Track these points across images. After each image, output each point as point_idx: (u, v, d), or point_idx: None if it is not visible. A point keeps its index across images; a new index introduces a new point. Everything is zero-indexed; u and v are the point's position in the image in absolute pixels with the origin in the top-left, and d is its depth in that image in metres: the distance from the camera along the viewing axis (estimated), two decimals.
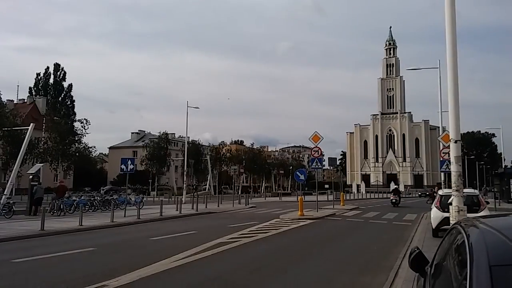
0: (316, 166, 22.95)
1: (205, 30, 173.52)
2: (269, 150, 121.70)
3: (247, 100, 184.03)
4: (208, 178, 59.82)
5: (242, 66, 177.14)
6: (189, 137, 46.94)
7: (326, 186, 51.14)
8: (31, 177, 21.43)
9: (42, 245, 11.11)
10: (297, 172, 23.13)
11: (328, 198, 36.09)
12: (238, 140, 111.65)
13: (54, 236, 13.08)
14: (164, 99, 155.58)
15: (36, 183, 20.92)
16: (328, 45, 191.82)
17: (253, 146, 75.32)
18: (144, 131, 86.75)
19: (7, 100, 39.33)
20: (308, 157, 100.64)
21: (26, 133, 30.19)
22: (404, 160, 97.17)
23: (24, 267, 8.31)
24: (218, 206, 27.61)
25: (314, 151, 22.42)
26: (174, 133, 75.27)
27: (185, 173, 42.23)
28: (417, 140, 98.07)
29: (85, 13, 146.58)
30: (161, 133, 53.12)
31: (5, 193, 24.46)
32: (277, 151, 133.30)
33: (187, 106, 36.87)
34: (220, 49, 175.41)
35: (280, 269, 8.03)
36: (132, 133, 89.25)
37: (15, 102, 60.95)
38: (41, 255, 9.31)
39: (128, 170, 21.07)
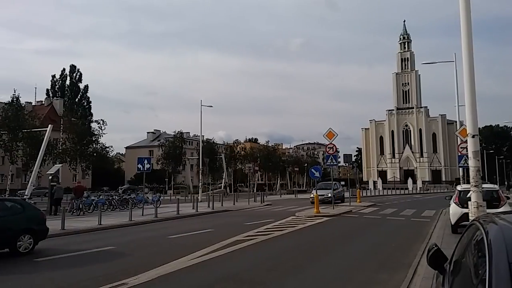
0: (331, 163, 22.81)
1: (218, 29, 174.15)
2: (284, 147, 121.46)
3: (260, 98, 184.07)
4: (223, 176, 60.13)
5: (254, 63, 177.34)
6: (203, 135, 47.21)
7: (342, 183, 50.80)
8: (50, 177, 21.92)
9: (63, 244, 11.37)
10: (312, 169, 23.03)
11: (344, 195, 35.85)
12: (252, 138, 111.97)
13: (74, 235, 13.38)
14: (178, 99, 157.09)
15: (56, 183, 21.40)
16: (341, 40, 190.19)
17: (267, 143, 75.05)
18: (160, 131, 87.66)
19: (25, 102, 40.14)
20: (323, 154, 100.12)
21: (45, 134, 30.91)
22: (421, 155, 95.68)
23: (46, 266, 8.55)
24: (234, 204, 27.73)
25: (328, 148, 22.30)
26: (188, 132, 75.89)
27: (200, 171, 42.56)
28: (434, 135, 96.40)
29: (99, 15, 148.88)
30: (176, 132, 53.64)
31: (26, 193, 25.15)
32: (292, 148, 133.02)
33: (201, 105, 37.13)
34: (232, 48, 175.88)
35: (297, 267, 8.04)
36: (147, 132, 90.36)
37: (33, 104, 62.30)
38: (62, 254, 9.54)
39: (145, 169, 21.36)
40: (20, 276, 7.67)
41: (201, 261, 8.43)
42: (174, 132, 54.23)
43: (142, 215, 19.01)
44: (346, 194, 28.51)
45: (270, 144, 74.75)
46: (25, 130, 30.86)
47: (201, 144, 43.46)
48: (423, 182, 75.69)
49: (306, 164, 76.61)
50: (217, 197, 29.66)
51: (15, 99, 32.08)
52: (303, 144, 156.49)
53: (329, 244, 11.28)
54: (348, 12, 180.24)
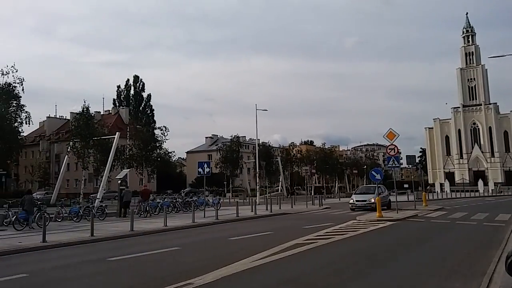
0: (393, 165, 21.90)
1: (270, 33, 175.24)
2: (341, 149, 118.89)
3: (315, 99, 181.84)
4: (280, 179, 60.14)
5: (308, 65, 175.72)
6: (259, 139, 47.65)
7: (406, 185, 48.54)
8: (119, 181, 23.38)
9: (133, 245, 12.09)
10: (373, 172, 22.29)
11: (408, 199, 34.25)
12: (308, 141, 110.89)
13: (143, 236, 14.13)
14: (234, 104, 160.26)
15: (124, 187, 22.76)
16: (398, 36, 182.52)
17: (324, 146, 73.78)
18: (217, 135, 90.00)
19: (95, 112, 43.25)
20: (383, 156, 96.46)
21: (113, 141, 33.11)
22: (492, 155, 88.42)
23: (118, 265, 9.10)
24: (292, 207, 27.64)
25: (389, 149, 21.45)
26: (245, 136, 76.91)
27: (257, 174, 42.97)
28: (506, 133, 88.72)
29: (159, 27, 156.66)
30: (233, 136, 54.65)
31: (97, 197, 27.07)
32: (349, 150, 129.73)
33: (256, 109, 37.59)
34: (285, 50, 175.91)
35: (361, 272, 7.82)
36: (206, 137, 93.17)
37: (102, 113, 66.97)
38: (132, 254, 10.12)
39: (205, 173, 22.07)
40: (95, 274, 8.25)
41: (262, 263, 8.50)
42: (231, 136, 55.33)
43: (204, 217, 19.62)
44: (411, 197, 27.20)
45: (326, 146, 73.45)
46: (95, 138, 33.12)
47: (257, 147, 43.90)
48: (496, 184, 69.88)
49: (365, 166, 74.30)
50: (275, 200, 29.75)
51: (85, 109, 34.59)
52: (361, 145, 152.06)
53: (394, 250, 10.83)
54: (405, 7, 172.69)
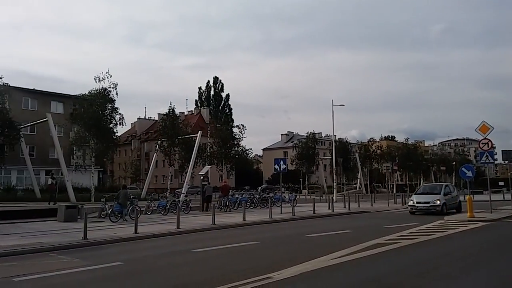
0: (486, 161, 19.92)
1: (347, 26, 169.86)
2: (426, 144, 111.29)
3: (396, 93, 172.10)
4: (359, 176, 58.23)
5: (388, 57, 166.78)
6: (335, 135, 46.62)
7: (501, 183, 43.83)
8: (201, 177, 24.61)
9: (214, 238, 12.69)
10: (463, 168, 20.52)
11: (504, 197, 30.92)
12: (388, 136, 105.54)
13: (223, 230, 14.75)
14: (310, 100, 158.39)
15: (206, 183, 23.91)
16: (491, 20, 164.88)
17: (407, 141, 69.58)
18: (293, 132, 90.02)
19: (179, 112, 45.89)
20: (475, 151, 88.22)
21: (196, 140, 34.96)
22: None
23: (202, 256, 9.63)
24: (372, 205, 26.64)
25: (482, 143, 19.55)
26: (320, 132, 75.94)
27: (334, 171, 42.12)
28: None
29: (237, 29, 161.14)
30: (309, 133, 54.19)
31: (182, 191, 28.83)
32: (436, 145, 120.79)
33: (332, 105, 36.82)
34: (363, 43, 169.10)
35: (450, 275, 7.29)
36: (281, 134, 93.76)
37: (185, 113, 71.02)
38: (214, 246, 10.63)
39: (281, 169, 22.29)
40: (182, 264, 8.82)
41: (341, 261, 8.36)
42: (307, 133, 54.93)
43: (281, 213, 19.84)
44: (507, 196, 24.47)
45: (409, 142, 69.24)
46: (180, 137, 35.26)
47: (333, 143, 43.00)
48: None
49: (454, 163, 68.61)
50: (353, 197, 28.94)
51: (171, 110, 36.95)
52: (449, 140, 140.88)
53: (487, 253, 9.90)
54: None
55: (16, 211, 19.39)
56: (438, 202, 19.15)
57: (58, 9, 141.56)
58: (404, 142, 68.58)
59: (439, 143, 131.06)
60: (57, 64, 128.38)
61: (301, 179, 55.76)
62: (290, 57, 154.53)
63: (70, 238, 12.13)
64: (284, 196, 28.46)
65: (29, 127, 35.25)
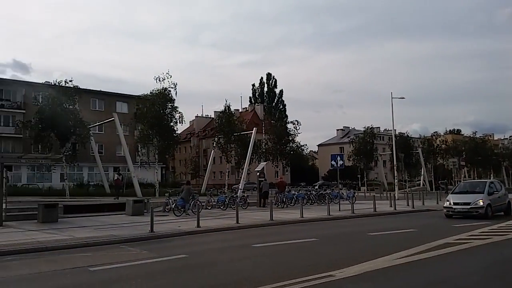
0: None
1: (403, 15, 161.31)
2: (496, 138, 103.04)
3: (461, 83, 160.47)
4: (422, 173, 55.42)
5: (451, 45, 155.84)
6: (395, 129, 44.62)
7: None
8: (258, 174, 24.87)
9: (273, 233, 12.79)
10: None
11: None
12: (453, 130, 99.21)
13: (281, 226, 14.80)
14: (366, 93, 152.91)
15: (263, 179, 24.12)
16: None
17: (475, 134, 64.83)
18: (349, 127, 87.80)
19: (234, 109, 46.77)
20: None
21: (251, 136, 35.41)
22: None
23: (261, 251, 9.73)
24: (437, 203, 25.20)
25: None
26: (379, 127, 73.31)
27: (394, 167, 40.45)
28: None
29: (288, 24, 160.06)
30: (366, 127, 52.49)
31: (239, 187, 29.39)
32: (506, 138, 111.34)
33: (391, 98, 35.31)
34: (423, 32, 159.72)
35: None
36: (337, 130, 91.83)
37: (240, 110, 72.12)
38: (273, 242, 10.70)
39: (338, 165, 21.90)
40: (243, 258, 8.99)
41: (407, 261, 8.02)
42: (364, 127, 53.25)
43: (339, 210, 19.45)
44: None
45: (477, 135, 64.50)
46: (236, 134, 35.95)
47: (393, 138, 41.32)
48: None
49: None
50: (417, 194, 27.59)
51: (226, 108, 37.75)
52: None
53: None
54: None
55: (89, 205, 20.96)
56: (481, 203, 16.09)
57: (121, 14, 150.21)
58: (472, 135, 64.09)
59: (510, 136, 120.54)
60: (120, 65, 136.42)
61: (359, 176, 54.27)
62: (343, 50, 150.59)
63: (138, 231, 12.86)
64: (342, 193, 27.87)
65: (97, 126, 37.79)
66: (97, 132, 40.58)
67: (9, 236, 11.74)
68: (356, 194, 32.20)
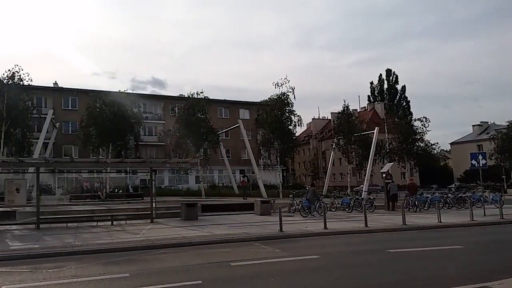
0: None
1: None
2: None
3: None
4: None
5: None
6: None
7: None
8: (383, 175, 23.57)
9: (408, 239, 11.93)
10: None
11: None
12: None
13: (416, 231, 13.69)
14: (506, 84, 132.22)
15: (390, 180, 22.78)
16: None
17: None
18: (487, 122, 77.28)
19: (352, 109, 45.35)
20: None
21: (373, 136, 33.86)
22: None
23: (398, 257, 9.13)
24: None
25: None
26: None
27: None
28: None
29: (406, 15, 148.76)
30: (510, 122, 45.42)
31: (364, 189, 28.33)
32: None
33: None
34: None
35: None
36: (473, 126, 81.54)
37: (358, 110, 69.63)
38: (409, 248, 9.99)
39: (480, 165, 19.26)
40: (378, 263, 8.57)
41: None
42: (507, 122, 46.15)
43: (484, 215, 17.20)
44: None
45: None
46: (356, 134, 34.85)
47: None
48: None
49: None
50: None
51: (345, 108, 36.83)
52: None
53: None
54: None
55: (222, 204, 22.73)
56: None
57: (238, 27, 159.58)
58: None
59: None
60: (239, 74, 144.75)
61: (503, 176, 47.31)
62: (474, 37, 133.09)
63: (268, 230, 13.37)
64: (486, 196, 24.57)
65: (224, 132, 40.81)
66: (224, 138, 43.79)
67: (160, 231, 13.38)
68: (503, 197, 28.13)
